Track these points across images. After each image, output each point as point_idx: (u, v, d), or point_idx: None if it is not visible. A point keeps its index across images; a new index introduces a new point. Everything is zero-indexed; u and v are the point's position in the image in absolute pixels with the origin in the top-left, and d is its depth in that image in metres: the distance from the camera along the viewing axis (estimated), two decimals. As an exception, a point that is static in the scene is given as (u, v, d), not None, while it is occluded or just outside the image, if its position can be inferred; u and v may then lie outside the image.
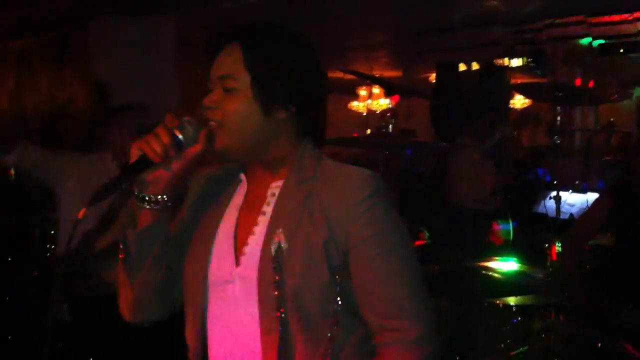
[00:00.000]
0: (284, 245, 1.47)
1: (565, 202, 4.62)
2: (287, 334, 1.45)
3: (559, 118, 4.59)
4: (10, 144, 3.39)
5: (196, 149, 1.51)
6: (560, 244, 3.80)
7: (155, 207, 1.53)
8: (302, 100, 1.54)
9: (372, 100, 10.85)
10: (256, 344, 1.47)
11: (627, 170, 4.66)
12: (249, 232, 1.54)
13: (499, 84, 7.54)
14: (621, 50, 7.63)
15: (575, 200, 5.00)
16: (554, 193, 4.42)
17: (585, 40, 7.60)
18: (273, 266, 1.46)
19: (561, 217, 4.38)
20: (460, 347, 3.47)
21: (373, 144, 3.86)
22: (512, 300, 3.33)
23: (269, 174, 1.58)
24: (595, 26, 7.26)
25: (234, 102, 1.51)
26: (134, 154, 1.48)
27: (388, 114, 3.72)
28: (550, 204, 4.46)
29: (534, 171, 6.24)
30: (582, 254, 3.83)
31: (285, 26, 1.58)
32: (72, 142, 4.94)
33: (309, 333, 1.46)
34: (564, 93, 4.46)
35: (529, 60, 7.36)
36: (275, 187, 1.56)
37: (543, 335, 3.14)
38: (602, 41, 7.60)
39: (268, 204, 1.55)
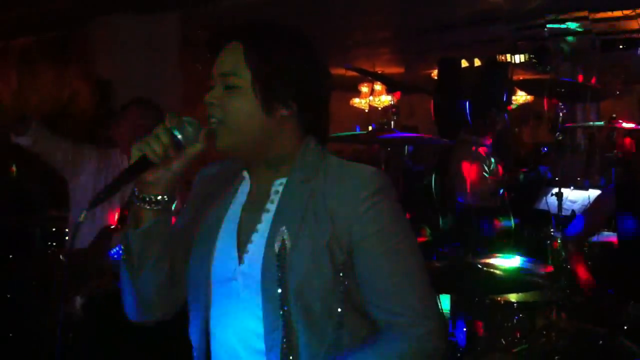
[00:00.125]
0: (287, 243, 1.47)
1: (567, 198, 4.61)
2: (291, 332, 1.45)
3: (561, 115, 4.59)
4: (25, 125, 3.39)
5: (196, 148, 1.51)
6: (561, 241, 3.81)
7: (156, 208, 1.53)
8: (304, 98, 1.54)
9: (374, 97, 10.84)
10: (260, 342, 1.47)
11: (629, 168, 4.66)
12: (253, 229, 1.54)
13: (501, 80, 7.52)
14: (622, 47, 7.61)
15: (577, 197, 4.99)
16: (555, 190, 4.42)
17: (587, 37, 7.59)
18: (277, 264, 1.46)
19: (563, 213, 4.37)
20: (461, 344, 3.47)
21: (375, 141, 3.86)
22: (513, 297, 3.33)
23: (272, 172, 1.58)
24: (597, 22, 7.25)
25: (236, 99, 1.51)
26: (134, 155, 1.48)
27: (393, 110, 3.72)
28: (552, 200, 4.46)
29: (536, 168, 6.23)
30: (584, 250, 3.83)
31: (286, 24, 1.58)
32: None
33: (312, 331, 1.46)
34: (566, 89, 4.46)
35: (531, 56, 7.35)
36: (279, 185, 1.56)
37: (545, 333, 3.14)
38: (604, 37, 7.58)
39: (272, 202, 1.55)
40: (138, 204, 1.53)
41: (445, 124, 6.73)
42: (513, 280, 3.47)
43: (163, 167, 1.50)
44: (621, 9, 6.94)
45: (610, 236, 4.21)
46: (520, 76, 8.10)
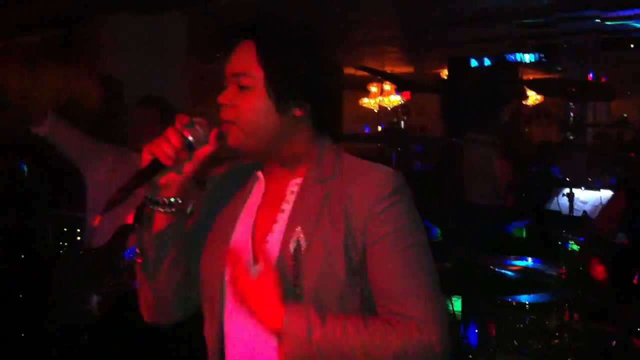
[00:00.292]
0: (303, 243, 1.46)
1: (577, 199, 4.59)
2: None
3: (571, 114, 4.57)
4: (42, 114, 3.38)
5: (207, 149, 1.51)
6: (573, 242, 3.79)
7: (170, 210, 1.52)
8: (317, 97, 1.53)
9: (383, 97, 10.84)
10: (274, 342, 1.47)
11: (638, 167, 4.64)
12: (268, 229, 1.53)
13: (510, 79, 7.50)
14: (632, 45, 7.59)
15: (588, 197, 4.97)
16: (566, 190, 4.40)
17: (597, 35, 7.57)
18: (292, 264, 1.45)
19: (574, 214, 4.35)
20: (473, 345, 3.46)
21: (385, 140, 3.85)
22: (525, 298, 3.32)
23: (287, 172, 1.57)
24: (606, 21, 7.23)
25: (249, 99, 1.50)
26: (146, 158, 1.47)
27: (403, 109, 3.71)
28: (563, 201, 4.44)
29: (547, 168, 6.21)
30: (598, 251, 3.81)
31: (298, 22, 1.57)
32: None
33: None
34: (576, 89, 4.44)
35: (541, 55, 7.33)
36: (294, 185, 1.55)
37: (557, 334, 3.13)
38: (613, 36, 7.56)
39: (287, 202, 1.54)
40: (151, 206, 1.53)
41: (455, 123, 6.70)
42: (525, 281, 3.47)
43: (174, 169, 1.49)
44: (630, 8, 6.92)
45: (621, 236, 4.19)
46: (530, 75, 8.07)
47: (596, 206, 4.72)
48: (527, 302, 3.32)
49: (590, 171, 5.85)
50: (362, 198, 1.47)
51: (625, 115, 7.64)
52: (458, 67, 7.85)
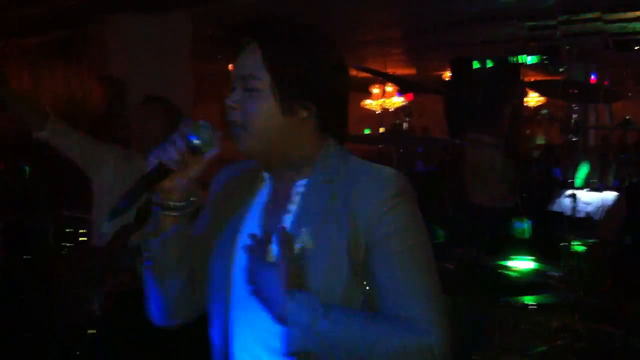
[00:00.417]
0: (308, 244, 1.47)
1: (580, 200, 4.59)
2: None
3: (574, 116, 4.57)
4: (43, 118, 3.39)
5: (212, 152, 1.51)
6: (576, 243, 3.79)
7: (175, 214, 1.53)
8: (324, 98, 1.53)
9: (386, 99, 10.85)
10: (279, 344, 1.46)
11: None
12: (274, 231, 1.53)
13: (513, 80, 7.51)
14: (636, 47, 7.59)
15: (591, 199, 4.96)
16: (569, 191, 4.40)
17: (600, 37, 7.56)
18: (297, 265, 1.45)
19: (577, 215, 4.35)
20: (476, 346, 3.46)
21: (387, 142, 3.86)
22: (528, 299, 3.32)
23: (293, 173, 1.57)
24: (610, 23, 7.22)
25: (256, 102, 1.50)
26: (152, 162, 1.47)
27: (406, 111, 3.71)
28: (566, 202, 4.44)
29: (550, 170, 6.21)
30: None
31: (305, 22, 1.57)
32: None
33: None
34: (578, 90, 4.44)
35: (544, 57, 7.32)
36: (300, 186, 1.56)
37: (560, 334, 3.13)
38: (617, 38, 7.55)
39: (293, 203, 1.54)
40: (157, 210, 1.53)
41: (457, 124, 6.70)
42: (527, 282, 3.47)
43: (180, 173, 1.49)
44: (634, 9, 6.91)
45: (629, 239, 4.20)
46: (532, 77, 8.08)
47: (599, 207, 4.72)
48: (529, 303, 3.31)
49: (593, 173, 5.86)
50: (367, 199, 1.47)
51: (627, 117, 7.64)
52: (460, 68, 7.84)
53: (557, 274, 3.50)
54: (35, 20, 7.04)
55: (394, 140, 4.03)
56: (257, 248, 1.47)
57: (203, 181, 1.60)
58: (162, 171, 1.47)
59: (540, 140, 9.42)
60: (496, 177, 5.36)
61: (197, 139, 1.49)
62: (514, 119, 6.11)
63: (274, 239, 1.52)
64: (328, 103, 1.54)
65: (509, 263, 3.68)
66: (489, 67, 7.71)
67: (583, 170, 5.88)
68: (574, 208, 4.27)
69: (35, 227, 5.08)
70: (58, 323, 3.46)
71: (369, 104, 11.20)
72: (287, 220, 1.53)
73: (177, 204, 1.52)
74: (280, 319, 1.41)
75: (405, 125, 4.16)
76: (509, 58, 7.61)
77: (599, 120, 8.05)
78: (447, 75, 9.31)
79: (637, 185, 3.83)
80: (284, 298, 1.40)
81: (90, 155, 3.51)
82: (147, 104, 3.52)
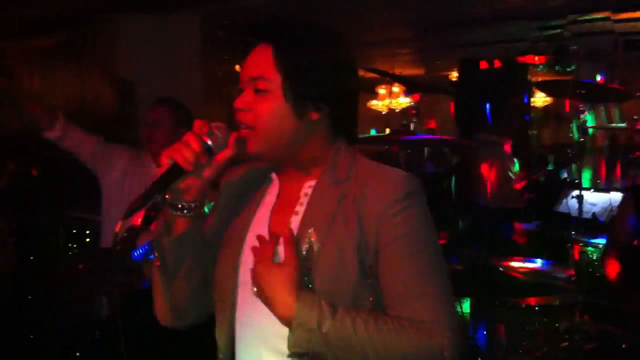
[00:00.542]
0: (315, 245, 1.47)
1: (587, 201, 4.58)
2: None
3: (581, 116, 4.56)
4: (53, 118, 3.40)
5: (226, 154, 1.52)
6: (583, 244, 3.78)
7: (188, 214, 1.53)
8: (334, 99, 1.53)
9: (392, 99, 10.81)
10: (285, 344, 1.47)
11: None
12: (282, 232, 1.53)
13: (521, 80, 7.48)
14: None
15: (597, 200, 4.95)
16: (576, 192, 4.39)
17: (609, 37, 7.53)
18: (304, 266, 1.46)
19: (583, 216, 4.34)
20: (483, 347, 3.46)
21: (395, 143, 3.86)
22: (535, 300, 3.31)
23: (302, 174, 1.58)
24: (619, 22, 7.19)
25: (266, 103, 1.50)
26: (165, 163, 1.48)
27: (412, 112, 3.72)
28: (573, 203, 4.43)
29: (557, 170, 6.18)
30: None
31: (314, 23, 1.57)
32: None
33: None
34: (587, 90, 4.42)
35: (552, 57, 7.30)
36: (308, 187, 1.56)
37: (567, 336, 3.12)
38: (626, 37, 7.52)
39: (301, 204, 1.55)
40: (170, 211, 1.54)
41: (466, 125, 6.69)
42: (535, 283, 3.46)
43: (194, 174, 1.50)
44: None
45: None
46: (540, 77, 8.04)
47: (605, 208, 4.70)
48: (537, 304, 3.31)
49: (600, 173, 5.84)
50: (376, 201, 1.47)
51: (635, 117, 7.59)
52: (468, 68, 7.82)
53: (564, 275, 3.49)
54: (44, 21, 7.06)
55: (401, 141, 4.03)
56: (264, 249, 1.48)
57: (214, 182, 1.62)
58: (177, 172, 1.48)
59: (547, 141, 9.39)
60: (504, 177, 5.35)
61: (211, 140, 1.50)
62: (521, 119, 6.10)
63: (281, 240, 1.53)
64: (340, 104, 1.55)
65: (517, 264, 3.67)
66: (497, 68, 7.69)
67: (589, 171, 5.87)
68: (580, 209, 4.26)
69: (42, 228, 5.10)
70: (65, 324, 3.47)
71: (376, 104, 11.17)
72: (295, 221, 1.53)
73: (190, 204, 1.53)
74: (286, 320, 1.41)
75: (412, 126, 4.17)
76: (517, 58, 7.59)
77: (607, 120, 8.00)
78: (454, 75, 9.28)
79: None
80: (290, 299, 1.40)
81: (99, 156, 3.52)
82: (157, 105, 3.54)
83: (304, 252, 1.47)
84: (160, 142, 3.37)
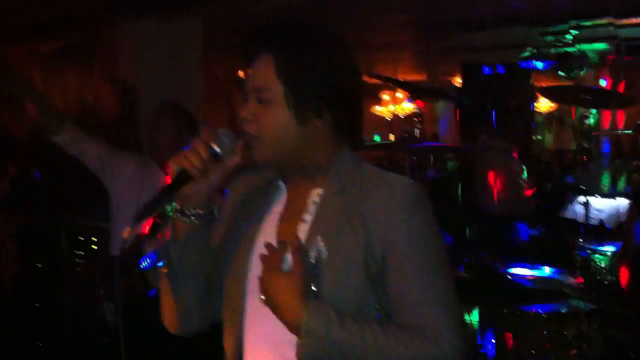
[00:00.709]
0: (323, 253, 1.47)
1: (593, 207, 4.56)
2: None
3: (585, 122, 4.55)
4: (61, 122, 3.39)
5: (234, 161, 1.52)
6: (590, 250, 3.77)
7: (195, 220, 1.53)
8: (338, 106, 1.53)
9: (396, 105, 10.82)
10: (292, 352, 1.46)
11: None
12: (290, 239, 1.53)
13: (525, 86, 7.49)
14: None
15: (603, 206, 4.93)
16: (582, 198, 4.37)
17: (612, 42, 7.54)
18: (311, 273, 1.45)
19: (590, 222, 4.32)
20: (490, 355, 3.44)
21: (400, 149, 3.85)
22: (543, 307, 3.30)
23: (309, 182, 1.57)
24: (622, 28, 7.19)
25: (269, 113, 1.51)
26: (173, 169, 1.49)
27: (418, 118, 3.71)
28: (579, 209, 4.41)
29: (563, 176, 6.17)
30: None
31: (319, 27, 1.56)
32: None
33: None
34: (590, 96, 4.41)
35: (555, 62, 7.30)
36: (316, 195, 1.56)
37: (576, 343, 3.11)
38: (629, 43, 7.53)
39: (309, 212, 1.54)
40: (177, 217, 1.53)
41: (470, 130, 6.69)
42: (542, 291, 3.45)
43: (201, 180, 1.50)
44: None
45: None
46: (543, 83, 8.04)
47: (611, 214, 4.69)
48: (543, 311, 3.29)
49: (605, 179, 5.82)
50: (382, 208, 1.47)
51: (639, 122, 7.59)
52: (471, 74, 7.83)
53: (572, 282, 3.48)
54: (48, 25, 7.07)
55: (405, 147, 4.02)
56: (272, 257, 1.47)
57: (220, 188, 1.61)
58: (185, 178, 1.48)
59: (552, 146, 9.40)
60: (509, 183, 5.33)
61: (219, 147, 1.50)
62: (526, 124, 6.09)
63: (288, 248, 1.52)
64: (343, 111, 1.54)
65: (522, 270, 3.66)
66: (501, 73, 7.70)
67: (594, 177, 5.86)
68: (587, 215, 4.24)
69: (48, 235, 5.09)
70: (70, 330, 3.46)
71: (380, 110, 11.18)
72: (303, 229, 1.53)
73: (197, 211, 1.53)
74: (294, 328, 1.41)
75: (417, 132, 4.15)
76: (520, 63, 7.59)
77: (611, 125, 7.99)
78: (458, 80, 9.28)
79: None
80: (298, 307, 1.40)
81: (107, 163, 3.50)
82: (162, 110, 3.52)
83: (312, 260, 1.46)
84: (164, 147, 3.36)
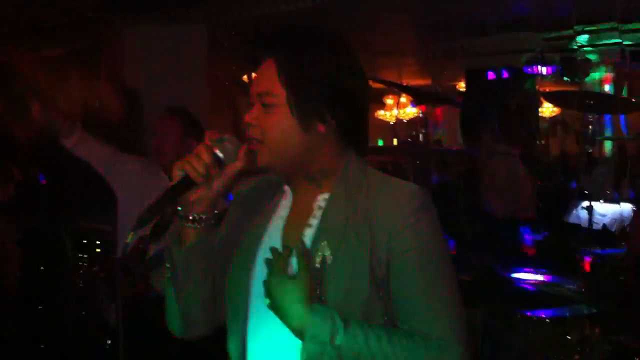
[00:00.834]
0: (328, 258, 1.47)
1: (596, 212, 4.56)
2: None
3: (589, 127, 4.55)
4: (72, 126, 3.40)
5: (237, 166, 1.53)
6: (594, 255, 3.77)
7: (199, 226, 1.54)
8: (343, 112, 1.53)
9: (399, 110, 10.83)
10: (297, 356, 1.46)
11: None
12: (295, 244, 1.53)
13: (529, 91, 7.48)
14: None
15: (607, 210, 4.93)
16: (586, 203, 4.37)
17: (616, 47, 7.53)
18: (317, 279, 1.45)
19: (593, 227, 4.32)
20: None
21: (404, 153, 3.85)
22: (545, 312, 3.30)
23: (315, 187, 1.58)
24: (627, 33, 7.18)
25: (273, 118, 1.51)
26: (176, 174, 1.49)
27: (422, 122, 3.72)
28: (583, 214, 4.41)
29: (566, 180, 6.16)
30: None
31: (323, 32, 1.57)
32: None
33: None
34: (594, 101, 4.41)
35: (560, 68, 7.30)
36: (321, 200, 1.56)
37: (579, 348, 3.10)
38: (633, 48, 7.51)
39: (314, 217, 1.54)
40: (180, 222, 1.54)
41: (474, 135, 6.69)
42: (545, 295, 3.44)
43: (205, 185, 1.51)
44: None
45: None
46: (548, 88, 8.04)
47: (615, 219, 4.69)
48: (546, 316, 3.29)
49: (609, 184, 5.81)
50: (388, 214, 1.47)
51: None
52: (475, 79, 7.83)
53: (575, 287, 3.47)
54: (53, 31, 7.10)
55: (410, 152, 4.03)
56: (278, 261, 1.47)
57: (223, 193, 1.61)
58: (188, 183, 1.49)
59: (555, 151, 9.38)
60: (512, 187, 5.33)
61: (222, 152, 1.51)
62: (530, 128, 6.09)
63: (294, 252, 1.52)
64: (347, 116, 1.54)
65: (526, 275, 3.66)
66: (504, 77, 7.70)
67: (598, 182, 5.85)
68: (590, 220, 4.24)
69: (52, 238, 5.10)
70: (73, 332, 3.47)
71: (383, 114, 11.19)
72: (309, 234, 1.53)
73: (201, 216, 1.53)
74: (298, 332, 1.41)
75: (421, 136, 4.16)
76: (524, 68, 7.60)
77: (615, 131, 7.98)
78: (462, 85, 9.29)
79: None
80: (303, 312, 1.40)
81: (114, 166, 3.51)
82: (166, 115, 3.53)
83: (317, 265, 1.47)
84: (169, 152, 3.37)
